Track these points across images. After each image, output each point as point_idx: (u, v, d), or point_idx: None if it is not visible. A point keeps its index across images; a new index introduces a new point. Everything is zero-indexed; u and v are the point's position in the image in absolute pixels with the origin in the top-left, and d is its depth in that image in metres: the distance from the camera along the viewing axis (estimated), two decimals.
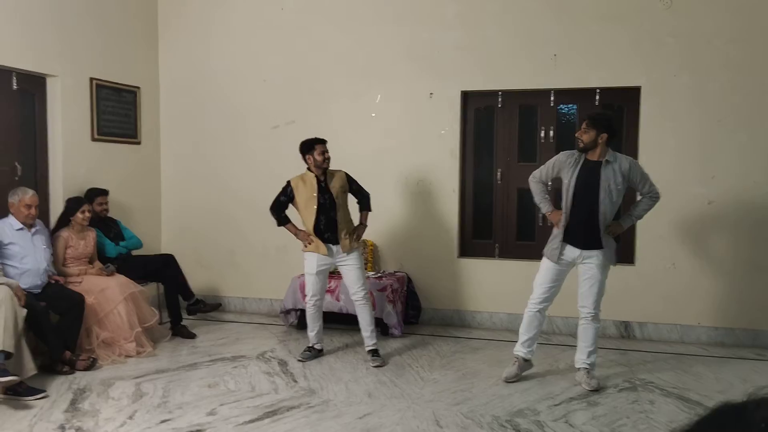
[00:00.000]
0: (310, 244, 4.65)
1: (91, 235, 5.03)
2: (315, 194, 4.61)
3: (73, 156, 5.37)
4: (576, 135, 4.13)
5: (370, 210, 4.86)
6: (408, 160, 5.80)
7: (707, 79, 5.13)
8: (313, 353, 4.80)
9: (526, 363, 4.37)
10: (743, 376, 4.44)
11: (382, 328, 5.36)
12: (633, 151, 5.34)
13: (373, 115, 5.87)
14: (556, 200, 4.47)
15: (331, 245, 4.66)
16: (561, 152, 4.24)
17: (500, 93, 5.68)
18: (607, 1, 5.29)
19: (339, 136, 5.85)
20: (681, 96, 5.19)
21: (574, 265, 4.21)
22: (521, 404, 3.88)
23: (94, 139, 5.59)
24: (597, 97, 5.45)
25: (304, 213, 4.68)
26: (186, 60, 6.35)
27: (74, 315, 4.44)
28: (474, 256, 5.84)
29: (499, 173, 5.75)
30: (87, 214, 4.90)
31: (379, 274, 5.65)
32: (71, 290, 4.55)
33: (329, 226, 4.63)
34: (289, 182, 4.73)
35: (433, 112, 5.73)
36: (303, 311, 5.60)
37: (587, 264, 4.13)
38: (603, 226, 4.05)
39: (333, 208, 4.63)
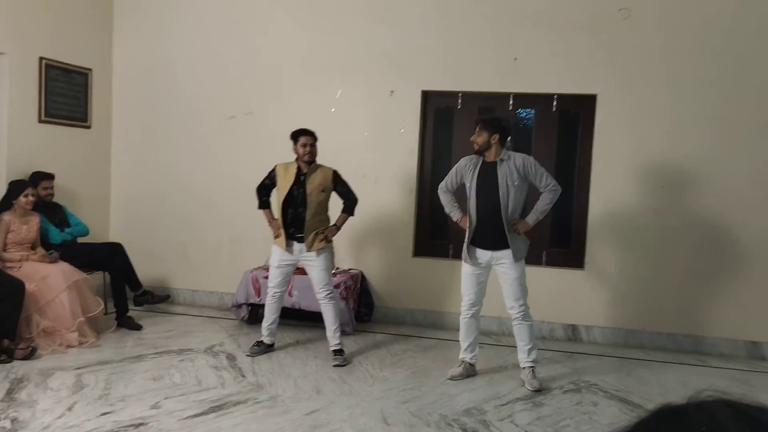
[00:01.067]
0: (277, 237, 4.59)
1: (35, 220, 4.85)
2: (290, 185, 4.53)
3: (18, 137, 5.17)
4: (471, 139, 4.22)
5: (352, 215, 4.74)
6: (366, 157, 5.78)
7: (659, 90, 5.26)
8: (262, 348, 4.73)
9: (471, 367, 4.42)
10: (684, 380, 4.58)
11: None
12: (587, 159, 5.46)
13: (333, 110, 5.83)
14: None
15: (293, 241, 4.57)
16: (462, 158, 4.36)
17: (460, 94, 5.71)
18: (568, 9, 5.38)
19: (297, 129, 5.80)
20: (634, 106, 5.31)
21: (490, 267, 4.29)
22: (468, 404, 3.91)
23: (41, 121, 5.40)
24: (554, 103, 5.53)
25: (277, 202, 4.62)
26: (142, 44, 6.18)
27: (14, 302, 4.27)
28: (428, 255, 5.86)
29: None
30: (30, 198, 4.73)
31: (333, 271, 5.60)
32: (10, 276, 4.38)
33: (295, 222, 4.54)
34: (275, 167, 4.67)
35: (393, 110, 5.73)
36: (254, 305, 5.54)
37: (501, 265, 4.21)
38: (507, 225, 4.13)
39: (303, 203, 4.53)
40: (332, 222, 4.72)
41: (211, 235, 6.12)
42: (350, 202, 4.74)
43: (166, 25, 6.13)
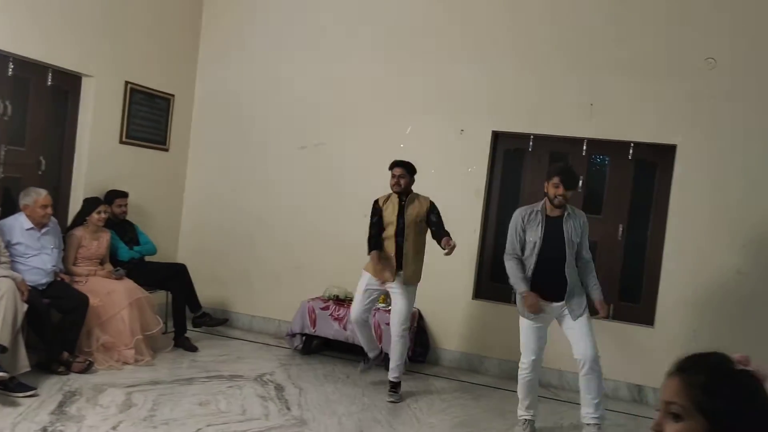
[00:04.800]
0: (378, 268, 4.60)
1: (105, 236, 5.02)
2: (396, 215, 4.56)
3: (98, 157, 5.40)
4: (555, 194, 3.99)
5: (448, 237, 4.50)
6: (432, 194, 5.63)
7: (745, 143, 4.96)
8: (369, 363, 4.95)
9: (531, 424, 4.17)
10: None
11: (386, 363, 5.22)
12: (663, 211, 5.20)
13: (402, 146, 5.79)
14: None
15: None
16: (515, 212, 4.22)
17: (532, 137, 5.57)
18: (651, 57, 5.17)
19: (365, 162, 5.82)
20: (717, 159, 5.02)
21: (552, 319, 4.13)
22: None
23: (122, 142, 5.63)
24: (630, 152, 5.30)
25: (387, 233, 4.61)
26: (223, 72, 6.39)
27: (77, 315, 4.40)
28: (489, 299, 5.69)
29: None
30: (103, 215, 4.91)
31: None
32: (76, 290, 4.52)
33: (398, 253, 4.56)
34: (375, 200, 4.70)
35: (462, 149, 5.65)
36: (309, 336, 5.52)
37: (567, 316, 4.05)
38: (570, 280, 4.01)
39: (402, 234, 4.55)
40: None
41: (274, 263, 6.17)
42: (440, 234, 4.54)
43: (247, 55, 6.32)
